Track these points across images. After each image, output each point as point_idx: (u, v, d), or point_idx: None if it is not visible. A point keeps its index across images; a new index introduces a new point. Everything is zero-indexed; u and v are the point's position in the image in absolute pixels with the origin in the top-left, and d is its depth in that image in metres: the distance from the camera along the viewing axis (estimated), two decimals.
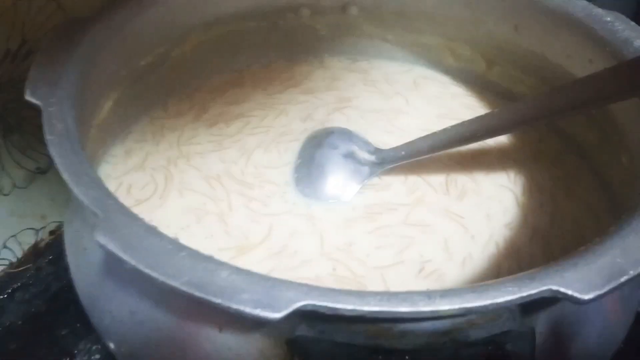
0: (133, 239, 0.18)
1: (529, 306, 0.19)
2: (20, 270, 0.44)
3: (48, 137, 0.22)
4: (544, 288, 0.18)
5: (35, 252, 0.45)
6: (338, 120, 0.39)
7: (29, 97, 0.24)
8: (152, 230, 0.19)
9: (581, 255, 0.19)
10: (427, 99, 0.42)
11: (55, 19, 0.39)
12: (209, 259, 0.18)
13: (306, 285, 0.17)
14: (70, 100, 0.25)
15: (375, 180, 0.35)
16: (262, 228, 0.31)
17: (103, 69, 0.30)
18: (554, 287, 0.18)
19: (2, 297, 0.41)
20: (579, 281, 0.18)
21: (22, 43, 0.38)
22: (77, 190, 0.20)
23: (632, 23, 0.32)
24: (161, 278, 0.17)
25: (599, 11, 0.32)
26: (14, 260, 0.43)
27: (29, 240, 0.44)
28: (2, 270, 0.43)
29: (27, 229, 0.44)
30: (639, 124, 0.28)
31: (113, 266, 0.19)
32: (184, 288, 0.17)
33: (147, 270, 0.17)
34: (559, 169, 0.37)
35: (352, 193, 0.34)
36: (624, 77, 0.28)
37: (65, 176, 0.20)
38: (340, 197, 0.34)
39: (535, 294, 0.18)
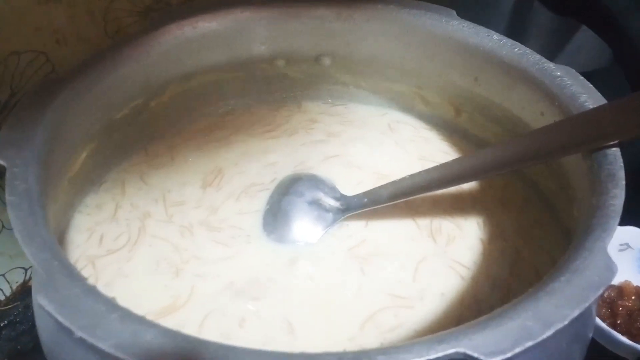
0: (71, 300, 0.20)
1: None
2: (8, 308, 0.45)
3: (8, 197, 0.24)
4: (452, 351, 0.18)
5: (23, 291, 0.46)
6: (315, 162, 0.40)
7: None
8: (91, 292, 0.20)
9: (493, 317, 0.20)
10: (402, 143, 0.43)
11: (43, 72, 0.42)
12: (139, 320, 0.19)
13: (220, 345, 0.19)
14: (36, 159, 0.26)
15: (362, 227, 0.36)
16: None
17: (76, 125, 0.32)
18: (461, 350, 0.18)
19: None
20: (486, 345, 0.19)
21: (11, 95, 0.40)
22: (27, 251, 0.21)
23: (581, 77, 0.33)
24: (90, 340, 0.18)
25: (549, 65, 0.33)
26: (2, 298, 0.45)
27: (17, 278, 0.46)
28: None
29: (17, 267, 0.45)
30: (583, 180, 0.29)
31: None
32: (111, 350, 0.18)
33: (79, 333, 0.18)
34: (523, 216, 0.37)
35: (317, 237, 0.35)
36: (568, 133, 0.30)
37: (18, 237, 0.22)
38: (305, 240, 0.35)
39: (442, 356, 0.18)
